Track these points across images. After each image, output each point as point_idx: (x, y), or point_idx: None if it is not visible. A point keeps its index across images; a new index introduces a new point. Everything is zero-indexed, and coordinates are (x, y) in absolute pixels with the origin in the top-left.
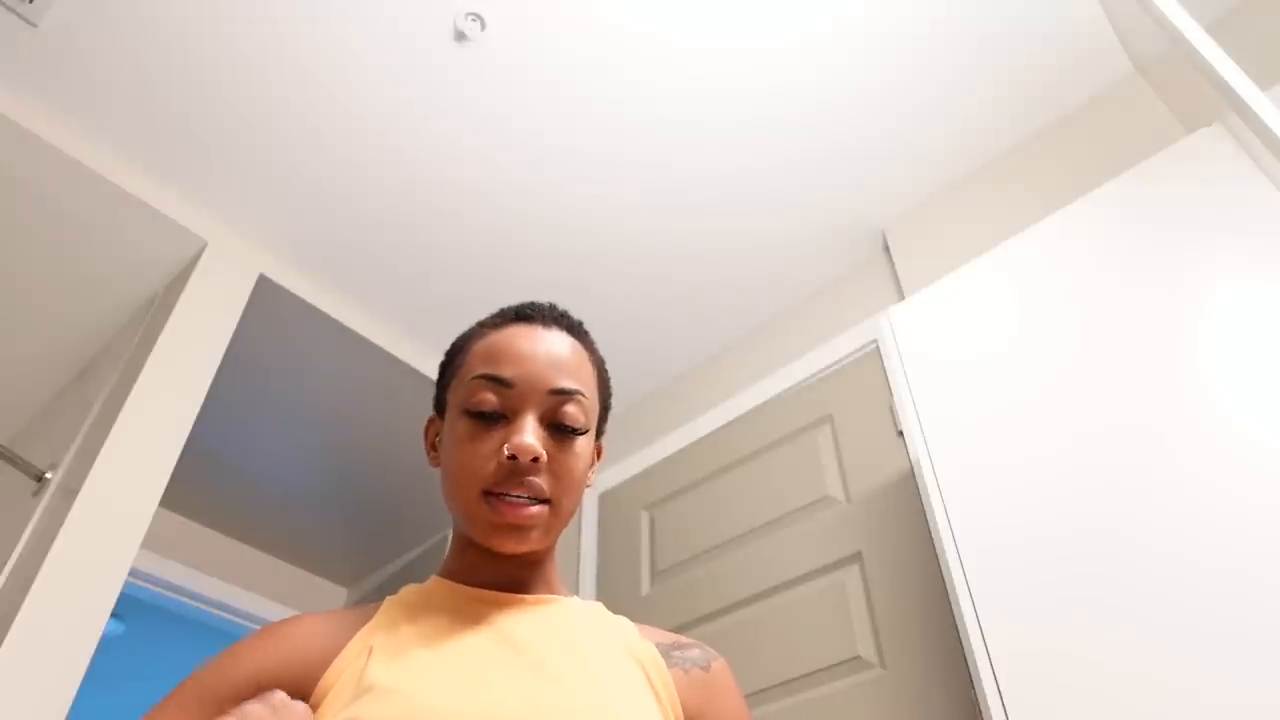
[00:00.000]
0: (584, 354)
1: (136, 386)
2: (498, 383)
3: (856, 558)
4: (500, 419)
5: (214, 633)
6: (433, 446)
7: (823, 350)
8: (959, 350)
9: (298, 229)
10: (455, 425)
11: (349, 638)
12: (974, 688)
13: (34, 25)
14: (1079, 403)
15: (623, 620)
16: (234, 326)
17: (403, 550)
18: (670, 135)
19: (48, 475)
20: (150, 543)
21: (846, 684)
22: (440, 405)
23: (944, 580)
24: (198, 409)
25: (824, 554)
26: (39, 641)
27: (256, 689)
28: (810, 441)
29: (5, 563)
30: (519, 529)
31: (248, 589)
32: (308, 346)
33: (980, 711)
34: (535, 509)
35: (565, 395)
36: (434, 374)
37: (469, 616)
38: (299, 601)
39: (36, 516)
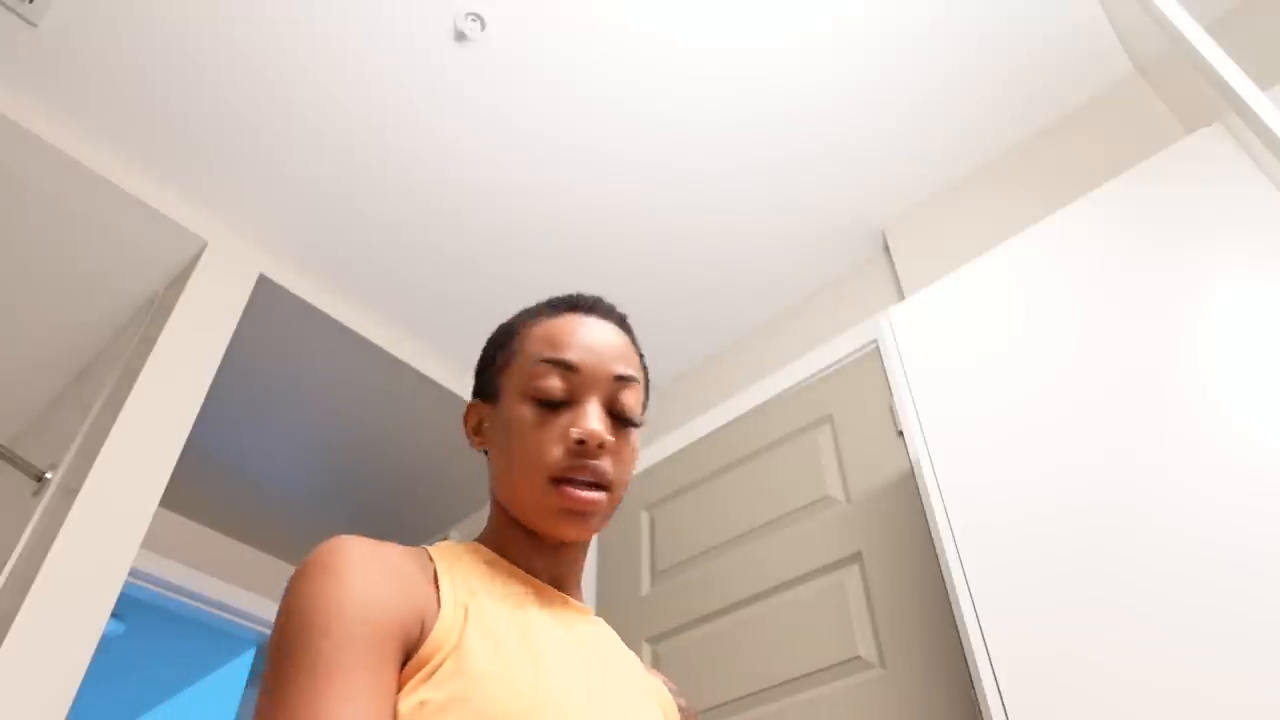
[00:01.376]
0: (634, 347)
1: (136, 386)
2: (564, 367)
3: (856, 558)
4: (562, 405)
5: (214, 633)
6: (475, 431)
7: (823, 350)
8: (959, 350)
9: (298, 229)
10: (516, 410)
11: (433, 590)
12: (974, 688)
13: (34, 25)
14: (1079, 403)
15: (631, 652)
16: (234, 326)
17: None
18: (670, 135)
19: (48, 475)
20: (150, 543)
21: (846, 684)
22: (485, 391)
23: (944, 580)
24: (198, 409)
25: (824, 554)
26: (39, 641)
27: (404, 638)
28: (810, 441)
29: (5, 563)
30: (584, 515)
31: (248, 589)
32: (308, 346)
33: (980, 711)
34: (599, 495)
35: (625, 381)
36: (434, 374)
37: (538, 609)
38: None
39: (36, 516)
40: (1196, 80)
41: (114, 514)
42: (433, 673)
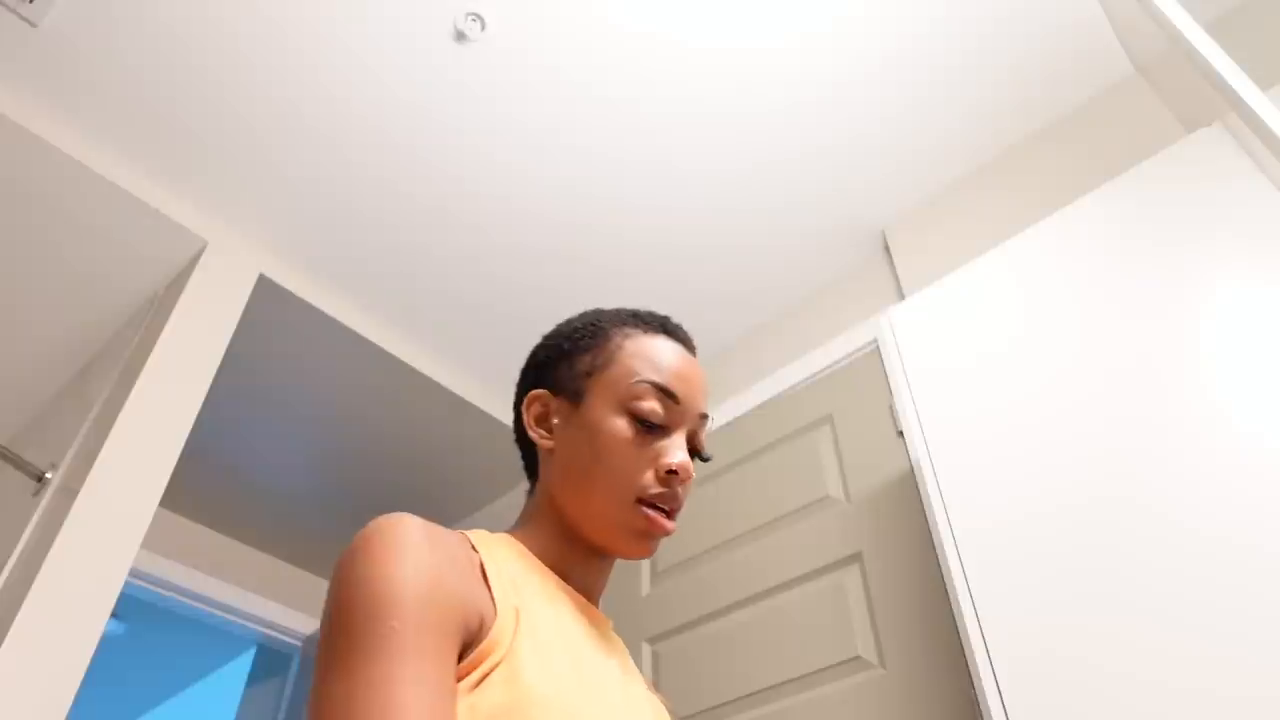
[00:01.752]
0: None
1: (136, 386)
2: (667, 395)
3: (856, 558)
4: (656, 429)
5: (214, 633)
6: (539, 422)
7: (823, 350)
8: (959, 350)
9: (298, 229)
10: (611, 420)
11: (484, 583)
12: (974, 688)
13: (34, 25)
14: (1079, 402)
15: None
16: (234, 326)
17: None
18: (670, 134)
19: (48, 475)
20: (150, 543)
21: (846, 684)
22: (562, 387)
23: (944, 580)
24: (198, 409)
25: (824, 554)
26: (39, 641)
27: (468, 625)
28: (810, 441)
29: (5, 563)
30: (655, 540)
31: (248, 589)
32: (308, 346)
33: (980, 711)
34: (673, 525)
35: (705, 420)
36: (434, 374)
37: (580, 619)
38: (299, 602)
39: (36, 516)
40: (1196, 80)
41: (114, 514)
42: (484, 677)
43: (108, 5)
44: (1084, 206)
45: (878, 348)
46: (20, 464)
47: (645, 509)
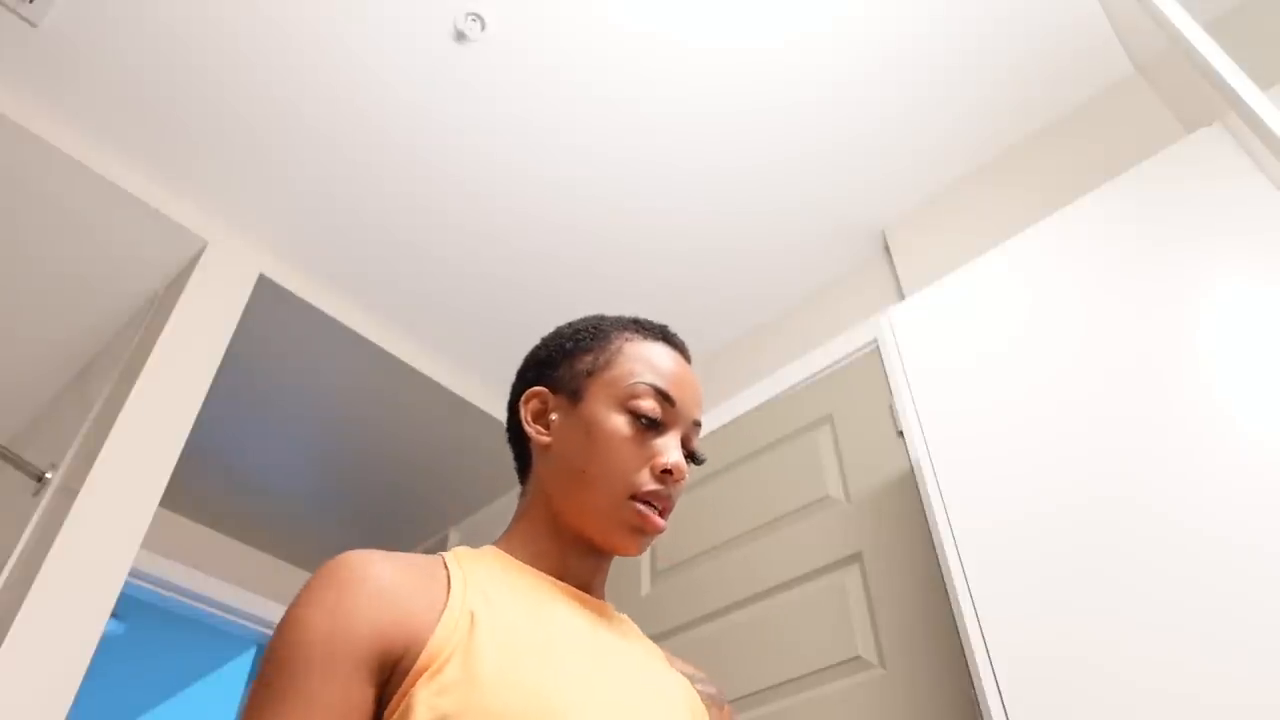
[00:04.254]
0: None
1: (136, 386)
2: (665, 399)
3: (856, 558)
4: (652, 430)
5: (214, 633)
6: (537, 418)
7: (823, 350)
8: (959, 350)
9: (298, 229)
10: (609, 418)
11: (440, 600)
12: (974, 688)
13: (34, 25)
14: (1079, 402)
15: (653, 644)
16: (234, 326)
17: (403, 550)
18: (670, 135)
19: (48, 475)
20: (150, 543)
21: (846, 684)
22: (562, 385)
23: (944, 580)
24: (198, 409)
25: (824, 554)
26: (39, 641)
27: (379, 654)
28: (810, 441)
29: (5, 563)
30: (648, 536)
31: (248, 589)
32: (308, 346)
33: (980, 711)
34: (665, 522)
35: (698, 427)
36: (434, 374)
37: (560, 609)
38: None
39: (36, 516)
40: (1196, 80)
41: (114, 514)
42: (434, 676)
43: (107, 5)
44: (1084, 206)
45: (878, 348)
46: (20, 464)
47: (639, 505)
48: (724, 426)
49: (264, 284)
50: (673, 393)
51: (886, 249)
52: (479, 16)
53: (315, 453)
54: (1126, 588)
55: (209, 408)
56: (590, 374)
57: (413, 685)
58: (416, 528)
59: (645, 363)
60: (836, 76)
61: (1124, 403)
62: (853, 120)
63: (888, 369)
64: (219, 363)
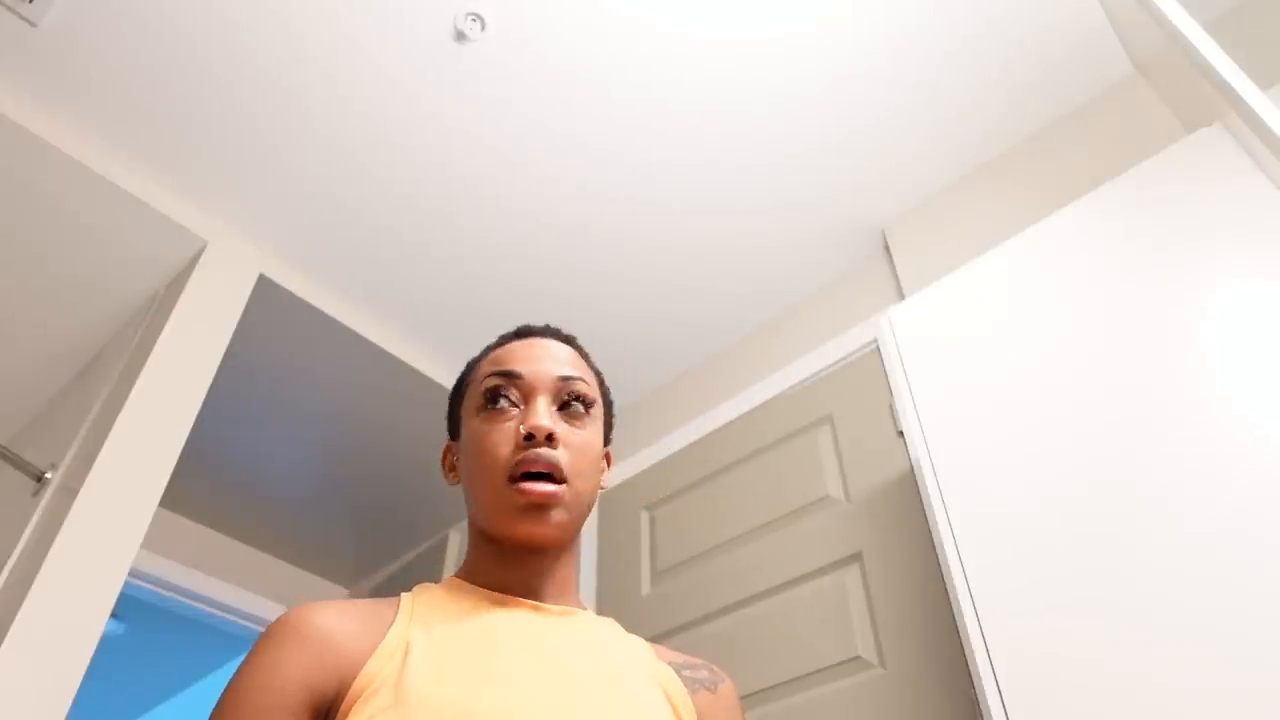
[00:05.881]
0: (584, 360)
1: (136, 386)
2: (508, 376)
3: (856, 558)
4: (514, 409)
5: (214, 633)
6: (451, 468)
7: (823, 350)
8: (959, 350)
9: (298, 229)
10: (471, 427)
11: (379, 636)
12: (974, 688)
13: (34, 25)
14: (1079, 402)
15: (637, 639)
16: (234, 326)
17: (403, 550)
18: (671, 134)
19: (48, 475)
20: (150, 543)
21: (846, 684)
22: (454, 431)
23: (944, 580)
24: (198, 409)
25: (824, 554)
26: (39, 641)
27: (309, 696)
28: (810, 441)
29: (5, 563)
30: (541, 508)
31: (248, 589)
32: (308, 346)
33: (980, 711)
34: (555, 487)
35: (571, 380)
36: (434, 374)
37: (501, 623)
38: (299, 602)
39: (36, 516)
40: (1196, 80)
41: (114, 514)
42: (365, 704)
43: (107, 5)
44: (1084, 206)
45: (878, 348)
46: (20, 464)
47: (520, 484)
48: (724, 426)
49: (264, 284)
50: (514, 366)
51: (886, 249)
52: (479, 16)
53: (315, 453)
54: (1127, 588)
55: (209, 407)
56: (460, 406)
57: (346, 715)
58: (416, 528)
59: (490, 363)
60: (837, 75)
61: (1124, 403)
62: (853, 119)
63: (888, 369)
64: (219, 363)
